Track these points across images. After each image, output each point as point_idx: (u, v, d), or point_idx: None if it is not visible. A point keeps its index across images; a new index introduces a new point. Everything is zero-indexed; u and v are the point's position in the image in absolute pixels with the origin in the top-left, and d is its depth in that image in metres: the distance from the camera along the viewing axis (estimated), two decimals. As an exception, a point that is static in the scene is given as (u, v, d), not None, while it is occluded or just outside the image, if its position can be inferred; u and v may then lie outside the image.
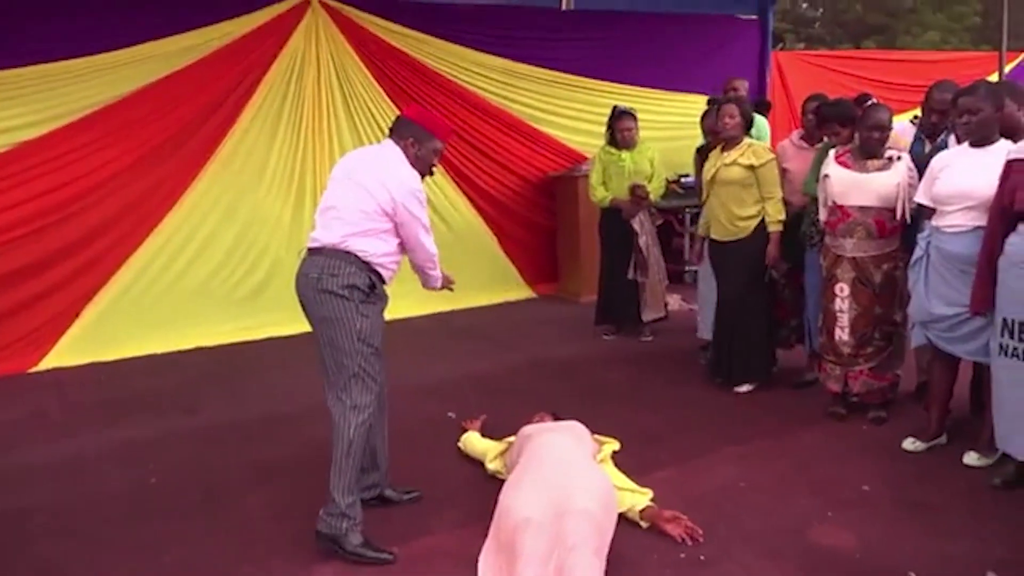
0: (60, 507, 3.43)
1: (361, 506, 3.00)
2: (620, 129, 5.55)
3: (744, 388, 4.54)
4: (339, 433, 2.98)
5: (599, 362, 5.25)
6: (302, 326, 5.66)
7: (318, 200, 6.05)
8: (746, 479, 3.43)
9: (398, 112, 6.42)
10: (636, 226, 5.55)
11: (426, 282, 3.35)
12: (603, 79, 7.23)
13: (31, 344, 5.42)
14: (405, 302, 6.44)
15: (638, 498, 3.16)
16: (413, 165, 3.08)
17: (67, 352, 5.47)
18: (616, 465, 3.39)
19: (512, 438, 3.53)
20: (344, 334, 2.97)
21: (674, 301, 6.38)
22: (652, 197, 5.54)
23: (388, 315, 6.23)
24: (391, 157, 3.08)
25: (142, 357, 5.57)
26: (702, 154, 5.03)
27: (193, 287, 5.86)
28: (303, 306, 3.06)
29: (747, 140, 4.46)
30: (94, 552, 3.06)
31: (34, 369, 5.37)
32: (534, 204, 7.15)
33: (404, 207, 3.00)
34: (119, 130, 5.50)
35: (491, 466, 3.55)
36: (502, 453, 3.54)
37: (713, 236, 4.61)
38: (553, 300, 7.07)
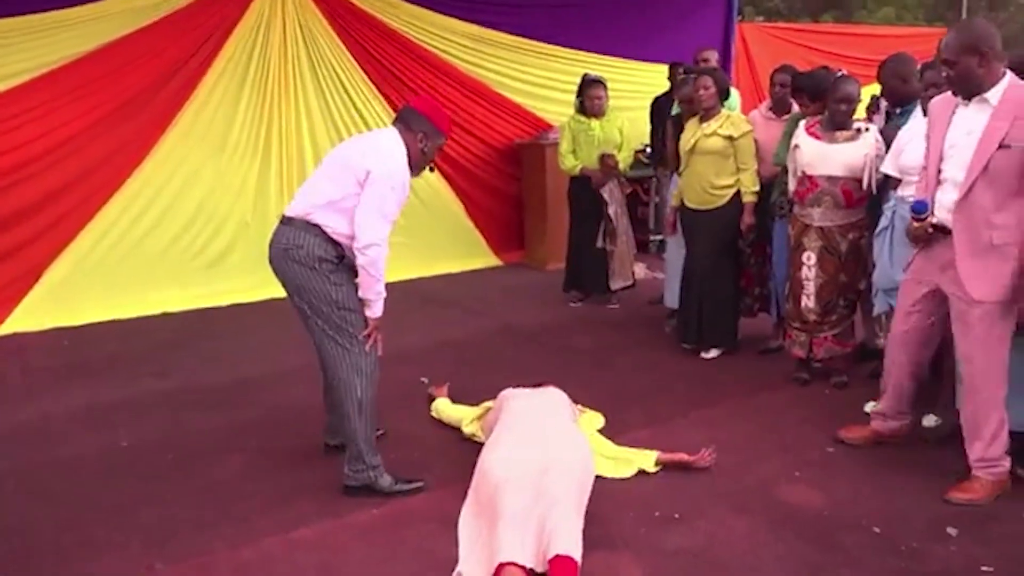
0: (27, 470, 3.39)
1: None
2: (590, 97, 5.57)
3: (712, 354, 4.64)
4: (349, 397, 3.03)
5: (568, 328, 5.31)
6: (267, 292, 5.84)
7: (283, 165, 6.18)
8: (716, 441, 3.52)
9: (365, 77, 6.45)
10: (606, 195, 5.60)
11: (361, 281, 3.01)
12: (572, 47, 7.21)
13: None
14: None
15: (643, 459, 3.27)
16: (415, 159, 3.05)
17: (28, 316, 5.34)
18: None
19: (490, 403, 3.58)
20: (323, 302, 2.98)
21: (640, 270, 6.45)
22: (621, 167, 5.58)
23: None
24: (388, 140, 3.04)
25: (107, 322, 5.47)
26: (675, 123, 5.07)
27: (157, 252, 5.75)
28: (275, 273, 3.05)
29: (725, 111, 4.52)
30: (67, 513, 3.04)
31: (-8, 334, 5.25)
32: (500, 172, 7.14)
33: (374, 182, 2.91)
34: (78, 89, 5.34)
35: (468, 429, 3.59)
36: (479, 417, 3.59)
37: (687, 204, 4.67)
38: (520, 268, 7.10)
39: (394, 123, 3.13)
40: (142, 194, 5.67)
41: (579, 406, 3.65)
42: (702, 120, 4.53)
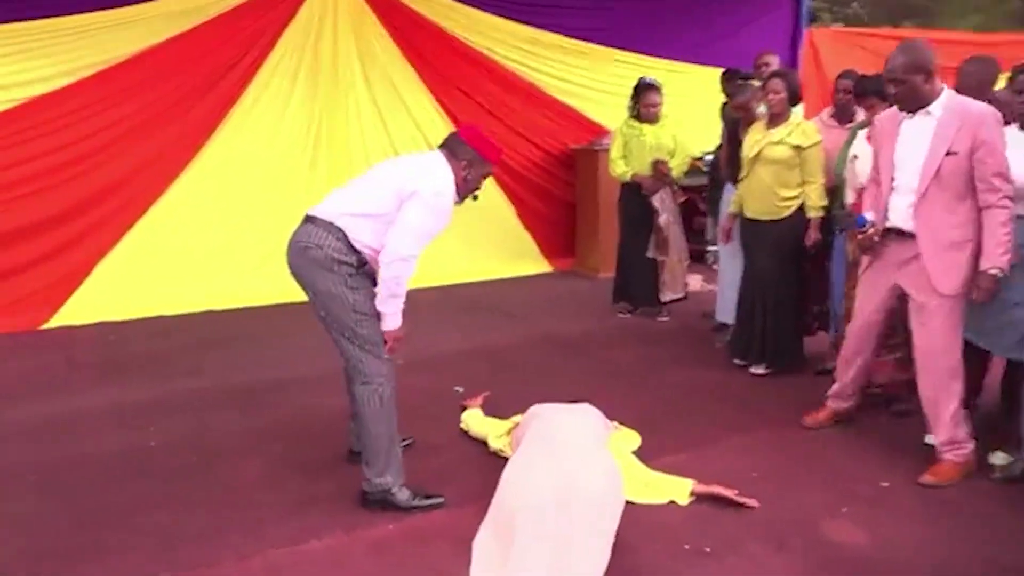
0: (50, 465, 3.38)
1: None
2: (644, 104, 5.36)
3: (761, 370, 4.40)
4: (368, 402, 2.94)
5: (613, 341, 5.12)
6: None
7: (333, 167, 6.12)
8: (757, 467, 3.31)
9: (418, 78, 6.37)
10: (656, 203, 5.39)
11: (379, 293, 2.88)
12: (631, 50, 7.04)
13: (43, 301, 5.38)
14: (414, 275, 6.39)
15: (677, 488, 3.06)
16: (459, 186, 2.96)
17: (77, 310, 5.43)
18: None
19: (519, 417, 3.43)
20: (339, 307, 2.88)
21: (695, 281, 6.22)
22: (674, 174, 5.37)
23: None
24: (437, 165, 2.96)
25: (151, 318, 5.52)
26: (730, 130, 4.84)
27: (204, 250, 5.79)
28: (292, 272, 2.96)
29: (795, 118, 4.27)
30: (81, 511, 3.00)
31: (45, 326, 5.33)
32: (554, 177, 7.00)
33: (419, 201, 2.83)
34: (129, 89, 5.42)
35: (494, 444, 3.45)
36: (508, 432, 3.44)
37: (748, 214, 4.44)
38: (570, 275, 6.93)
39: (440, 147, 3.04)
40: (191, 193, 5.71)
41: (615, 423, 3.47)
42: (769, 125, 4.29)
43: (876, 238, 3.30)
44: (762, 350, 4.42)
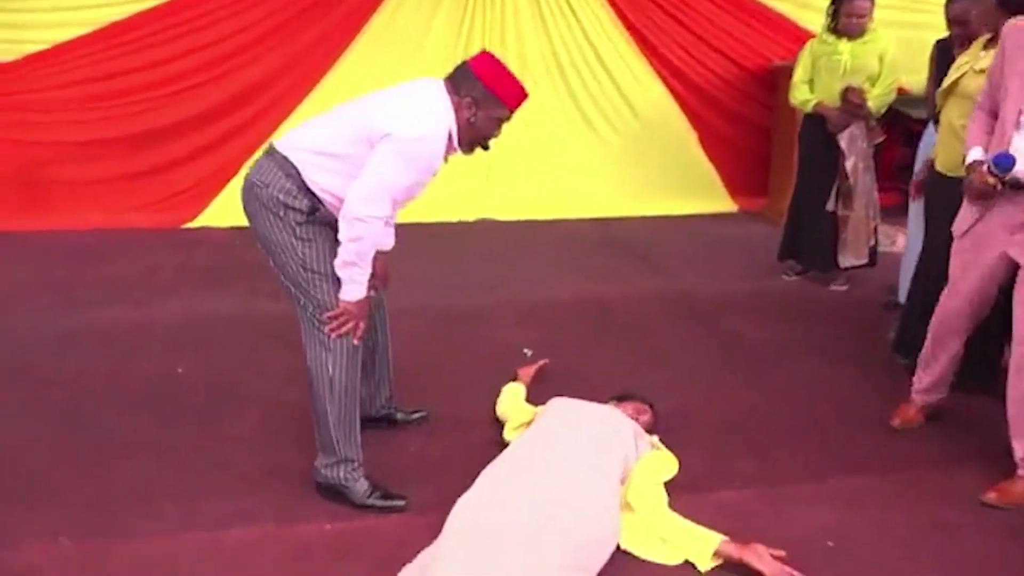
0: (74, 381, 3.27)
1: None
2: (848, 12, 4.13)
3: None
4: (318, 374, 2.46)
5: (753, 311, 4.16)
6: (439, 215, 5.39)
7: None
8: (842, 532, 2.42)
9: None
10: (844, 143, 4.22)
11: (340, 256, 2.33)
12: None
13: (190, 200, 5.46)
14: (564, 201, 5.74)
15: (698, 546, 2.28)
16: (462, 130, 2.31)
17: (220, 212, 5.42)
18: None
19: (541, 408, 2.80)
20: (287, 257, 2.38)
21: (900, 240, 4.92)
22: (872, 106, 4.14)
23: (541, 214, 5.07)
24: (431, 100, 2.30)
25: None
26: (941, 53, 3.58)
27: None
28: (245, 215, 2.48)
29: None
30: (51, 438, 2.87)
31: (188, 225, 5.44)
32: (749, 98, 5.86)
33: (393, 147, 2.22)
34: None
35: (508, 436, 2.83)
36: (526, 424, 2.81)
37: (937, 167, 3.29)
38: (758, 219, 5.86)
39: (446, 79, 2.36)
40: (332, 98, 5.36)
41: (654, 439, 2.71)
42: (987, 46, 3.06)
43: (999, 187, 2.56)
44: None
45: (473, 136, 2.36)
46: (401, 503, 2.50)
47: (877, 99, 4.14)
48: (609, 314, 4.09)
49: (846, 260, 4.42)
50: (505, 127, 2.41)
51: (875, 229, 4.42)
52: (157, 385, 3.29)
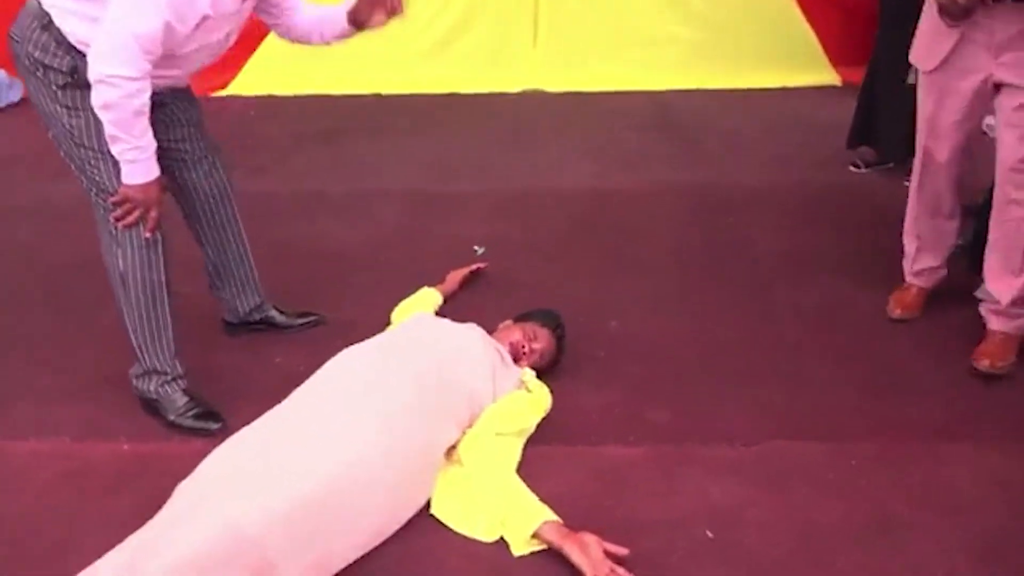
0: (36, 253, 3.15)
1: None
2: None
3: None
4: (111, 270, 2.13)
5: (789, 212, 3.38)
6: (489, 85, 4.83)
7: None
8: (764, 517, 1.86)
9: None
10: (934, -7, 3.20)
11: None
12: None
13: (223, 67, 5.21)
14: (622, 72, 4.96)
15: (522, 521, 1.77)
16: None
17: (250, 81, 5.15)
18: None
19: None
20: (59, 131, 2.01)
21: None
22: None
23: (595, 86, 4.82)
24: None
25: (315, 96, 5.05)
26: None
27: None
28: None
29: None
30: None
31: (218, 93, 5.19)
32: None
33: None
34: None
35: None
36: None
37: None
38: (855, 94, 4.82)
39: None
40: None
41: (528, 373, 2.17)
42: None
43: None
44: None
45: None
46: (214, 426, 2.15)
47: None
48: (604, 210, 3.46)
49: (931, 149, 3.46)
50: None
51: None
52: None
